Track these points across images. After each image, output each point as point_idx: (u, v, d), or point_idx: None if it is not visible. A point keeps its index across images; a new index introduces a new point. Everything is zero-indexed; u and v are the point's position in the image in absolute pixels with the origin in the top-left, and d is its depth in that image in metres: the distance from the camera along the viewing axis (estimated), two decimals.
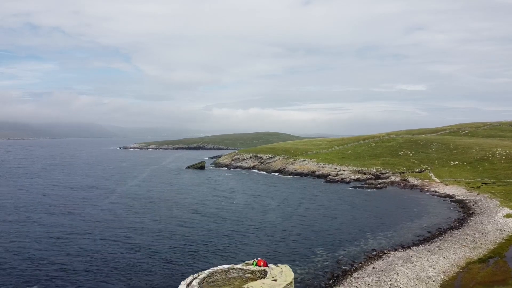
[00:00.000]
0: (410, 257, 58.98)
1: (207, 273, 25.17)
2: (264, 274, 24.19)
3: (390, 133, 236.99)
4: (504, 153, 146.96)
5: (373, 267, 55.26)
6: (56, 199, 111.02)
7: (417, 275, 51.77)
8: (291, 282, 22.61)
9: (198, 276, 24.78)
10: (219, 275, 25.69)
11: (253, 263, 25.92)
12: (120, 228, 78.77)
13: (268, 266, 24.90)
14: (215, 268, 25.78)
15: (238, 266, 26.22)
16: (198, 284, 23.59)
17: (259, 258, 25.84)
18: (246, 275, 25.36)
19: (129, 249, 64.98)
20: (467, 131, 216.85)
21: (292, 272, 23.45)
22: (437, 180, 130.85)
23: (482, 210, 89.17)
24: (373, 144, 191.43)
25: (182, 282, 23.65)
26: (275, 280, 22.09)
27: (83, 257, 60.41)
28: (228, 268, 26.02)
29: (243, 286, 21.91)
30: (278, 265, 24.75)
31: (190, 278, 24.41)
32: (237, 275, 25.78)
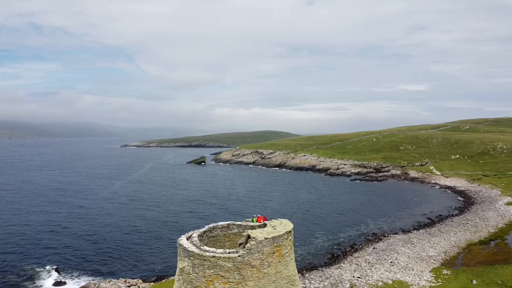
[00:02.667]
0: (411, 239, 58.83)
1: (207, 228, 25.16)
2: (264, 227, 24.12)
3: (391, 129, 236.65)
4: (505, 147, 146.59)
5: (374, 248, 55.12)
6: (70, 186, 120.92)
7: (418, 254, 51.61)
8: (291, 231, 22.61)
9: (199, 230, 24.78)
10: (219, 231, 25.69)
11: (253, 220, 25.88)
12: (128, 207, 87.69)
13: (267, 221, 24.85)
14: (215, 224, 25.77)
15: (238, 222, 26.20)
16: (198, 237, 23.57)
17: (258, 215, 25.79)
18: (246, 230, 25.27)
19: (138, 219, 75.20)
20: (468, 127, 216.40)
21: (292, 224, 23.43)
22: (438, 173, 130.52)
23: (483, 199, 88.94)
24: (374, 139, 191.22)
25: (182, 236, 23.60)
26: (274, 229, 22.09)
27: (104, 225, 70.50)
28: (228, 224, 26.00)
29: (243, 233, 21.90)
30: (278, 219, 24.72)
31: (191, 232, 24.39)
32: (237, 231, 25.76)
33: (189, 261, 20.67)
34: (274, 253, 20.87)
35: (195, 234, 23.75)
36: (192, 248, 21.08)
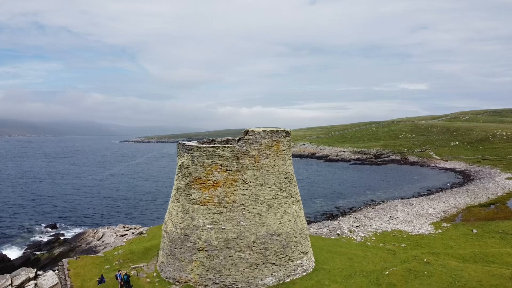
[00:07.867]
0: (411, 201, 58.79)
1: (207, 139, 25.21)
2: None
3: (390, 120, 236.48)
4: (504, 133, 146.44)
5: (373, 208, 55.11)
6: (77, 168, 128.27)
7: (417, 212, 51.55)
8: (289, 133, 22.74)
9: (198, 140, 24.85)
10: (218, 144, 25.72)
11: None
12: (129, 182, 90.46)
13: None
14: (214, 137, 25.84)
15: (237, 137, 26.22)
16: (199, 141, 23.66)
17: None
18: None
19: (139, 189, 76.72)
20: (467, 117, 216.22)
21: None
22: (437, 157, 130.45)
23: (483, 176, 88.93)
24: (374, 128, 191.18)
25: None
26: None
27: (109, 194, 73.93)
28: (227, 139, 26.04)
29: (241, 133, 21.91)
30: None
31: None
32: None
33: (188, 154, 20.69)
34: (272, 146, 20.89)
35: (195, 141, 23.81)
36: (191, 143, 21.13)
